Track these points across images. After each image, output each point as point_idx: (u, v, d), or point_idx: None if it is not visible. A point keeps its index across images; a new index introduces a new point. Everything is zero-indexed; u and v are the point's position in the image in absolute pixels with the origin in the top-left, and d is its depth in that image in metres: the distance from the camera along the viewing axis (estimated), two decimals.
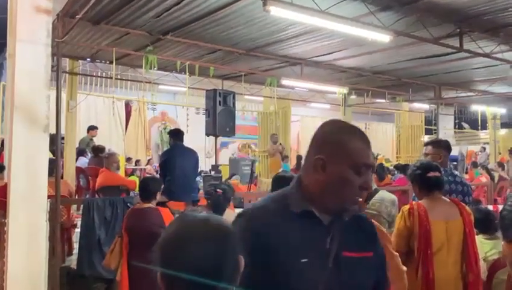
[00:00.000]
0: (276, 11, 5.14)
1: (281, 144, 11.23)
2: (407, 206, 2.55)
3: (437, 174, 2.59)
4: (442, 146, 3.27)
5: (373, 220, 1.59)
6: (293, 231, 1.24)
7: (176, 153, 5.61)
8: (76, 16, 5.33)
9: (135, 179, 8.67)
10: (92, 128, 9.62)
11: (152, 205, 3.62)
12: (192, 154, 5.70)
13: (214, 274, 0.98)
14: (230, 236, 1.06)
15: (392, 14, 6.23)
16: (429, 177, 2.58)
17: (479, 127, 16.12)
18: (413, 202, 2.60)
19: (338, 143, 1.27)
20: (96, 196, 6.15)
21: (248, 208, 1.36)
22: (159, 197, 3.76)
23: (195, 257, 0.98)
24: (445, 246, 2.43)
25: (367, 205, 2.63)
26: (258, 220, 1.27)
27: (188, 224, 1.05)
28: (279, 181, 2.85)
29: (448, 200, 2.60)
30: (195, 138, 9.42)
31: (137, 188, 6.94)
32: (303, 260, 1.20)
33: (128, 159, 12.11)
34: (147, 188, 3.66)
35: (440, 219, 2.46)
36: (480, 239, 3.22)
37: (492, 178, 10.11)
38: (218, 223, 1.06)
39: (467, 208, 2.60)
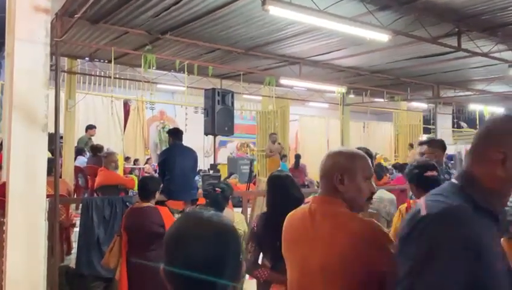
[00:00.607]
0: (275, 11, 5.14)
1: (279, 143, 11.24)
2: (404, 205, 2.57)
3: (434, 173, 2.60)
4: (437, 145, 3.27)
5: (374, 220, 1.59)
6: (493, 234, 1.14)
7: (174, 152, 5.60)
8: (75, 15, 5.32)
9: (133, 177, 8.67)
10: (90, 128, 9.60)
11: (151, 204, 3.62)
12: (191, 154, 5.70)
13: (215, 271, 1.00)
14: (234, 235, 1.08)
15: (391, 13, 6.25)
16: (426, 177, 2.59)
17: (477, 126, 16.15)
18: (411, 201, 2.61)
19: None
20: (95, 195, 6.15)
21: (444, 207, 1.13)
22: (158, 196, 3.77)
23: (198, 253, 1.00)
24: None
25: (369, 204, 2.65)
26: (469, 223, 1.10)
27: (193, 221, 1.07)
28: (274, 180, 2.85)
29: None
30: (194, 137, 9.43)
31: (135, 187, 6.96)
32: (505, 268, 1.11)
33: (127, 159, 12.10)
34: (146, 187, 3.66)
35: None
36: None
37: None
38: (222, 222, 1.08)
39: None
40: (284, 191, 2.73)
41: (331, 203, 1.59)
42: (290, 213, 1.78)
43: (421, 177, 2.61)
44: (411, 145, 14.54)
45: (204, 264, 0.99)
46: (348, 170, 1.59)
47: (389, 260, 1.48)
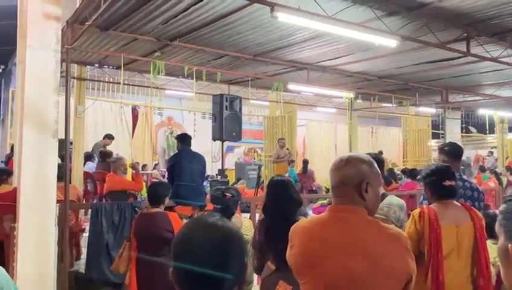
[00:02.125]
0: (283, 17, 5.15)
1: (288, 148, 11.22)
2: (417, 210, 2.53)
3: (452, 183, 2.54)
4: (443, 152, 3.22)
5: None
6: None
7: (183, 157, 5.62)
8: (86, 23, 5.38)
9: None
10: (109, 138, 9.56)
11: (160, 209, 3.64)
12: (199, 159, 5.71)
13: (221, 272, 1.04)
14: (239, 238, 1.12)
15: (399, 19, 6.23)
16: (444, 186, 2.54)
17: (487, 131, 16.01)
18: (424, 206, 2.57)
19: None
20: (104, 200, 6.18)
21: None
22: (167, 201, 3.78)
23: (204, 256, 1.05)
24: (456, 250, 2.41)
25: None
26: None
27: (199, 226, 1.12)
28: (275, 184, 2.85)
29: (459, 205, 2.57)
30: (202, 143, 9.45)
31: (143, 189, 6.95)
32: None
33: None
34: (156, 192, 3.68)
35: (451, 223, 2.44)
36: (488, 244, 3.19)
37: (500, 183, 10.04)
38: (227, 226, 1.11)
39: (478, 213, 2.58)
40: (284, 194, 2.73)
41: (358, 213, 1.55)
42: (300, 225, 1.66)
43: (438, 186, 2.56)
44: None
45: (210, 267, 1.03)
46: (371, 178, 1.57)
47: (414, 264, 1.55)
